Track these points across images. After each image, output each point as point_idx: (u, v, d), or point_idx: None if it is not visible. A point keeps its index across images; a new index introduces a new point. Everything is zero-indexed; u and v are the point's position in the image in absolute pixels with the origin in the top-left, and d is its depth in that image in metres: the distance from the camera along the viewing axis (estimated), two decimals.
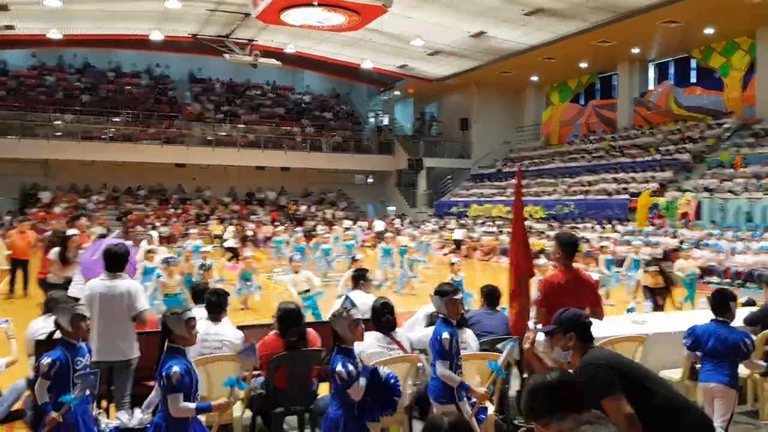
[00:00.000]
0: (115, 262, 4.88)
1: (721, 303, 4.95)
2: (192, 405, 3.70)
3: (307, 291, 10.13)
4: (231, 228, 26.66)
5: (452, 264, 11.62)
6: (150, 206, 30.26)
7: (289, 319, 4.98)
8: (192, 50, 29.84)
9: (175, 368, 3.64)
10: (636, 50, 26.27)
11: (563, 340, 3.25)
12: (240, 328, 5.38)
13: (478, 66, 29.24)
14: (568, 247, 4.83)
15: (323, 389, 5.07)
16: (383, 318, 4.79)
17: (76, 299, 4.95)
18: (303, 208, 33.27)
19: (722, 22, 21.92)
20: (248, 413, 5.02)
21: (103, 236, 10.56)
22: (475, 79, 31.61)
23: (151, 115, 32.28)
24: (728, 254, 16.61)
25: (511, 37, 24.84)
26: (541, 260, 11.58)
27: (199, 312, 5.67)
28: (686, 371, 5.63)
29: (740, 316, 6.59)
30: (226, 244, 19.81)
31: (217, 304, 5.22)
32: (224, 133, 32.89)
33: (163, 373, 3.65)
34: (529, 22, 22.76)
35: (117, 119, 31.64)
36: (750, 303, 8.05)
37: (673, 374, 5.70)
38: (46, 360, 3.97)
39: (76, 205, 28.83)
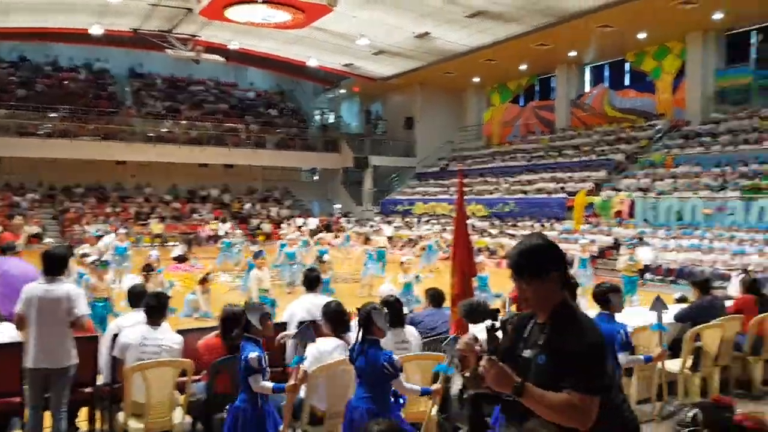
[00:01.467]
0: (54, 264, 4.75)
1: None
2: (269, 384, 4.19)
3: (267, 291, 10.10)
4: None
5: (402, 263, 11.69)
6: (88, 204, 29.56)
7: (233, 321, 4.85)
8: (133, 45, 29.22)
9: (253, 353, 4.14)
10: (573, 53, 27.05)
11: None
12: (180, 332, 5.20)
13: (422, 66, 29.60)
14: None
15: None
16: (341, 320, 4.78)
17: None
18: (247, 205, 33.09)
19: (654, 27, 22.76)
20: (188, 419, 4.86)
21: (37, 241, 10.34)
22: (418, 79, 31.99)
23: (90, 111, 31.50)
24: (659, 252, 17.39)
25: (453, 39, 25.25)
26: (479, 258, 11.91)
27: (137, 316, 5.40)
28: None
29: (672, 312, 7.01)
30: (173, 255, 19.14)
31: (156, 308, 5.04)
32: (166, 130, 32.37)
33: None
34: (471, 24, 23.20)
35: (54, 115, 30.72)
36: (682, 300, 8.50)
37: None
38: (253, 355, 4.19)
39: (10, 204, 27.97)
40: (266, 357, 4.30)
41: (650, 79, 25.50)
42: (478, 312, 2.67)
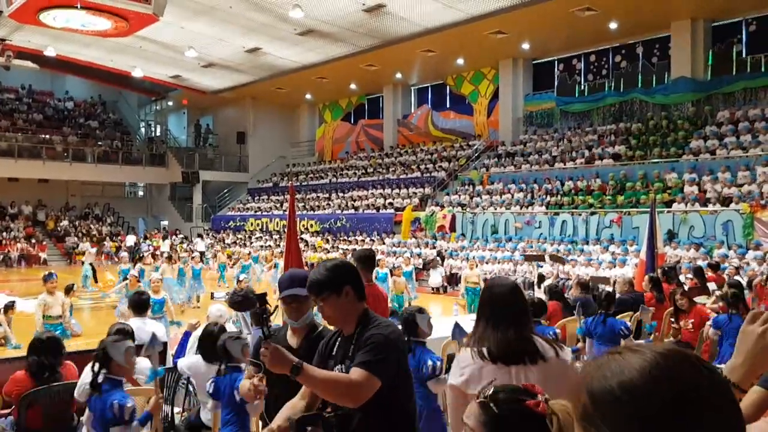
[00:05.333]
0: None
1: None
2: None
3: (57, 318, 9.50)
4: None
5: (239, 281, 11.57)
6: None
7: (34, 348, 4.60)
8: None
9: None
10: (399, 75, 28.34)
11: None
12: None
13: (254, 81, 29.53)
14: (366, 261, 5.07)
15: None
16: None
17: None
18: (65, 223, 30.93)
19: (470, 54, 24.50)
20: None
21: None
22: (251, 93, 31.86)
23: None
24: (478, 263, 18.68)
25: (285, 55, 25.51)
26: None
27: None
28: None
29: None
30: None
31: None
32: None
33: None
34: (302, 41, 23.60)
35: None
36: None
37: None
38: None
39: None
40: None
41: (468, 102, 27.40)
42: (246, 300, 2.86)
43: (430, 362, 4.47)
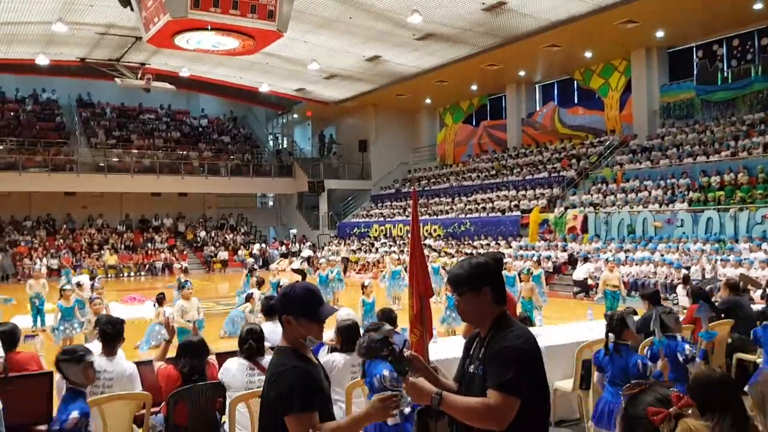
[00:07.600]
0: None
1: None
2: None
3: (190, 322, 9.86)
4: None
5: (365, 286, 11.55)
6: (38, 238, 28.76)
7: (184, 349, 4.82)
8: (80, 74, 28.78)
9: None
10: (522, 73, 27.61)
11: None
12: (139, 363, 5.13)
13: (374, 89, 29.79)
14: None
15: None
16: (245, 344, 4.73)
17: None
18: (202, 233, 32.64)
19: (599, 46, 23.39)
20: None
21: None
22: (371, 101, 32.19)
23: (38, 142, 30.76)
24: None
25: (404, 61, 25.52)
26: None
27: (93, 348, 5.36)
28: None
29: None
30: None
31: (111, 337, 4.84)
32: (117, 159, 31.81)
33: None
34: (421, 46, 23.49)
35: (0, 147, 29.95)
36: (632, 312, 8.61)
37: (566, 385, 6.05)
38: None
39: None
40: None
41: (598, 96, 26.15)
42: (371, 350, 2.76)
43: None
